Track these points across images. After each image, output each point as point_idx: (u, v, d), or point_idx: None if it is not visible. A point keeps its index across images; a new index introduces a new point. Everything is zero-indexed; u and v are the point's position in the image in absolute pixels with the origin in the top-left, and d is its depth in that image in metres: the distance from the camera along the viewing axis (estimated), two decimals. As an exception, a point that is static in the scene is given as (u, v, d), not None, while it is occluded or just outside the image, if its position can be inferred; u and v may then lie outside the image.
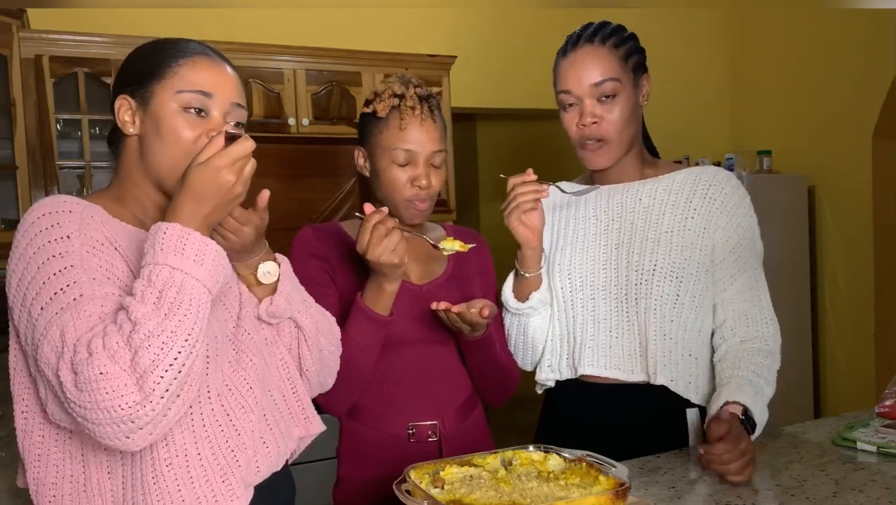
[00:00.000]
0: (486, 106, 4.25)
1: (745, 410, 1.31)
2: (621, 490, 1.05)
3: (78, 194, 3.07)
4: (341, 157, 3.93)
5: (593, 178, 1.59)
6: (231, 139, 0.95)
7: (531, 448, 1.23)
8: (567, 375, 1.53)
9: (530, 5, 4.31)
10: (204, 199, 0.93)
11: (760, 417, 1.33)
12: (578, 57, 1.45)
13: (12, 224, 2.94)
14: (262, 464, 1.09)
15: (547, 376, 1.55)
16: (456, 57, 3.74)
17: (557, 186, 1.52)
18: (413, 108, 1.39)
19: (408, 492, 1.06)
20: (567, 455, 1.19)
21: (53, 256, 0.94)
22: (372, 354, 1.37)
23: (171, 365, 0.87)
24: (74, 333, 0.89)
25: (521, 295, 1.51)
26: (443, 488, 1.09)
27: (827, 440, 1.43)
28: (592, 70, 1.43)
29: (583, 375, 1.50)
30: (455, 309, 1.33)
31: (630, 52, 1.47)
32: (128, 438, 0.88)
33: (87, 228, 0.98)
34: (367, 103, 1.45)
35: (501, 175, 1.46)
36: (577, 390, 1.52)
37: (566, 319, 1.53)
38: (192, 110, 1.05)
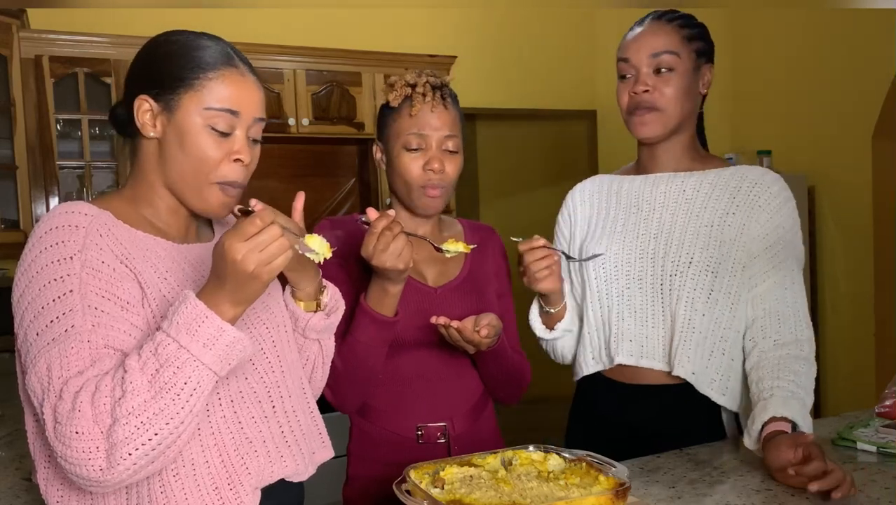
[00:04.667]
0: (486, 106, 4.25)
1: (794, 426, 1.26)
2: (621, 490, 1.05)
3: (78, 194, 3.08)
4: (341, 157, 3.93)
5: (643, 162, 1.57)
6: (245, 214, 0.93)
7: (531, 448, 1.23)
8: (606, 364, 1.52)
9: (531, 5, 4.31)
10: (220, 276, 0.92)
11: (808, 431, 1.27)
12: (643, 31, 1.49)
13: (12, 224, 2.94)
14: (275, 473, 1.09)
15: (592, 368, 1.55)
16: (456, 57, 3.75)
17: (565, 254, 1.52)
18: (424, 95, 1.40)
19: (408, 492, 1.06)
20: (567, 455, 1.19)
21: (54, 280, 0.95)
22: (379, 354, 1.37)
23: (143, 444, 0.88)
24: (60, 371, 0.90)
25: (549, 324, 1.55)
26: (443, 488, 1.09)
27: (827, 440, 1.43)
28: (653, 42, 1.46)
29: (619, 365, 1.49)
30: (455, 324, 1.32)
31: (695, 36, 1.49)
32: (91, 488, 0.91)
33: (90, 248, 0.97)
34: (384, 96, 1.46)
35: (512, 238, 1.46)
36: (609, 389, 1.52)
37: (601, 309, 1.52)
38: (218, 131, 1.04)
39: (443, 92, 1.43)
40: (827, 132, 3.98)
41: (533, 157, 5.82)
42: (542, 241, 1.41)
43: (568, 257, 1.54)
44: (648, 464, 1.35)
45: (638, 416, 1.48)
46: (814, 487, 1.12)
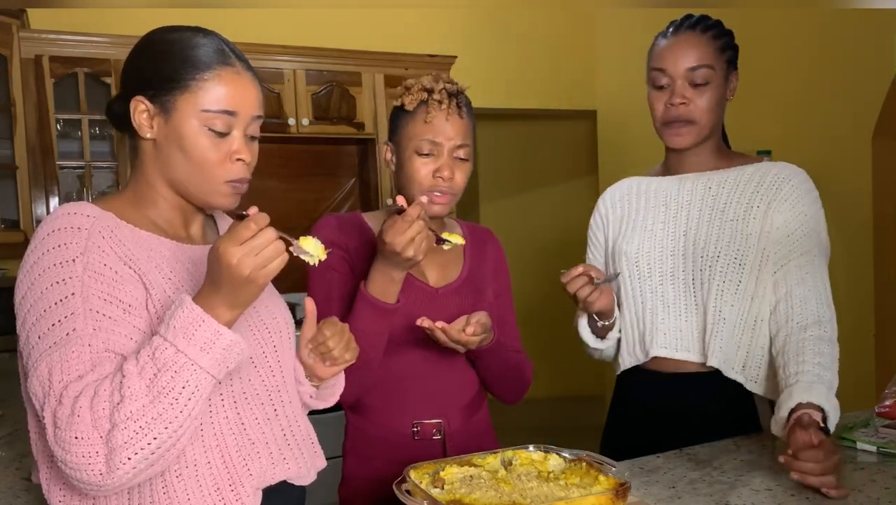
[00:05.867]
0: (487, 106, 4.24)
1: (822, 411, 1.26)
2: (621, 490, 1.05)
3: (78, 194, 3.08)
4: (341, 157, 3.93)
5: (671, 165, 1.61)
6: (239, 218, 0.92)
7: (531, 448, 1.23)
8: (642, 358, 1.57)
9: (531, 5, 4.31)
10: (215, 280, 0.92)
11: (834, 415, 1.27)
12: (679, 40, 1.51)
13: (12, 224, 2.94)
14: (277, 475, 1.09)
15: (628, 364, 1.60)
16: (456, 57, 3.75)
17: (608, 280, 1.54)
18: (440, 102, 1.39)
19: (408, 492, 1.06)
20: (567, 455, 1.19)
21: (56, 283, 0.94)
22: (381, 343, 1.37)
23: (142, 449, 0.88)
24: (60, 375, 0.90)
25: (601, 334, 1.61)
26: (443, 488, 1.09)
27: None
28: (690, 54, 1.49)
29: (655, 357, 1.54)
30: (440, 325, 1.32)
31: (727, 45, 1.52)
32: (91, 492, 0.91)
33: (93, 250, 0.97)
34: (398, 97, 1.44)
35: (562, 272, 1.48)
36: (647, 379, 1.57)
37: (635, 305, 1.58)
38: (215, 132, 1.04)
39: (458, 100, 1.41)
40: (827, 132, 3.98)
41: (533, 157, 5.82)
42: (580, 270, 1.46)
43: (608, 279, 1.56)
44: (648, 464, 1.35)
45: (674, 403, 1.53)
46: (785, 460, 1.17)
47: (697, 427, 1.49)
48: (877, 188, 3.78)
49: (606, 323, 1.58)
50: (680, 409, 1.52)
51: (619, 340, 1.62)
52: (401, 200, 1.27)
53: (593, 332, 1.61)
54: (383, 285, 1.33)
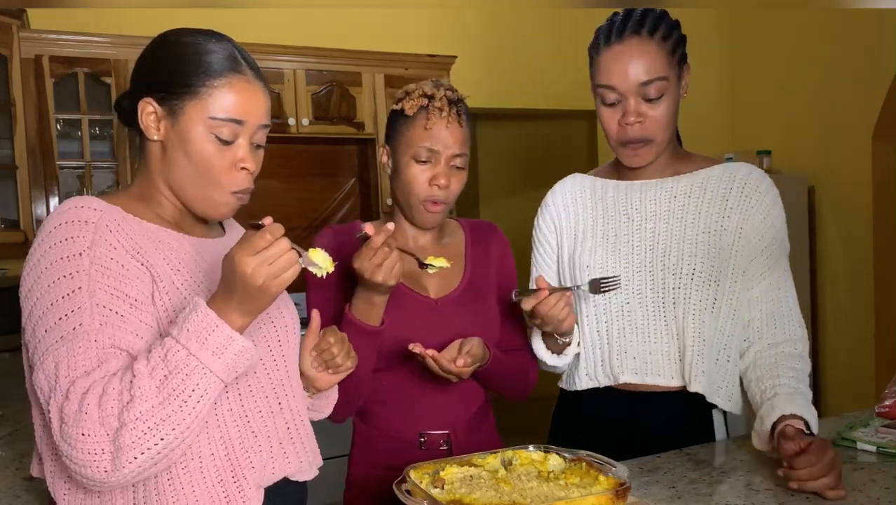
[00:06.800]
0: (487, 106, 4.24)
1: (805, 423, 1.24)
2: (621, 490, 1.05)
3: (78, 194, 3.07)
4: (341, 157, 3.93)
5: (625, 169, 1.48)
6: (255, 227, 0.93)
7: (531, 448, 1.23)
8: (605, 382, 1.47)
9: (531, 5, 4.31)
10: (229, 288, 0.93)
11: (814, 424, 1.26)
12: (625, 50, 1.35)
13: (12, 224, 2.94)
14: (278, 469, 1.10)
15: (586, 385, 1.49)
16: (456, 57, 3.75)
17: (577, 287, 1.40)
18: (441, 110, 1.38)
19: (408, 492, 1.06)
20: (567, 455, 1.19)
21: (63, 277, 0.95)
22: (368, 363, 1.37)
23: (149, 449, 0.89)
24: (67, 370, 0.91)
25: (559, 350, 1.48)
26: (443, 488, 1.09)
27: (827, 440, 1.43)
28: (640, 67, 1.34)
29: (624, 383, 1.44)
30: (430, 353, 1.32)
31: (677, 43, 1.38)
32: (94, 488, 0.93)
33: (100, 244, 0.97)
34: (397, 101, 1.43)
35: (514, 298, 1.38)
36: (601, 396, 1.48)
37: (598, 325, 1.47)
38: (221, 140, 1.04)
39: (458, 108, 1.41)
40: (827, 132, 3.98)
41: (533, 157, 5.82)
42: (546, 290, 1.32)
43: (578, 287, 1.41)
44: (648, 464, 1.35)
45: (629, 421, 1.46)
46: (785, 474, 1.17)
47: (650, 446, 1.41)
48: (877, 188, 3.78)
49: (567, 340, 1.44)
50: (632, 427, 1.44)
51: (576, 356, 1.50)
52: (368, 229, 1.27)
53: (549, 347, 1.48)
54: (365, 309, 1.33)
